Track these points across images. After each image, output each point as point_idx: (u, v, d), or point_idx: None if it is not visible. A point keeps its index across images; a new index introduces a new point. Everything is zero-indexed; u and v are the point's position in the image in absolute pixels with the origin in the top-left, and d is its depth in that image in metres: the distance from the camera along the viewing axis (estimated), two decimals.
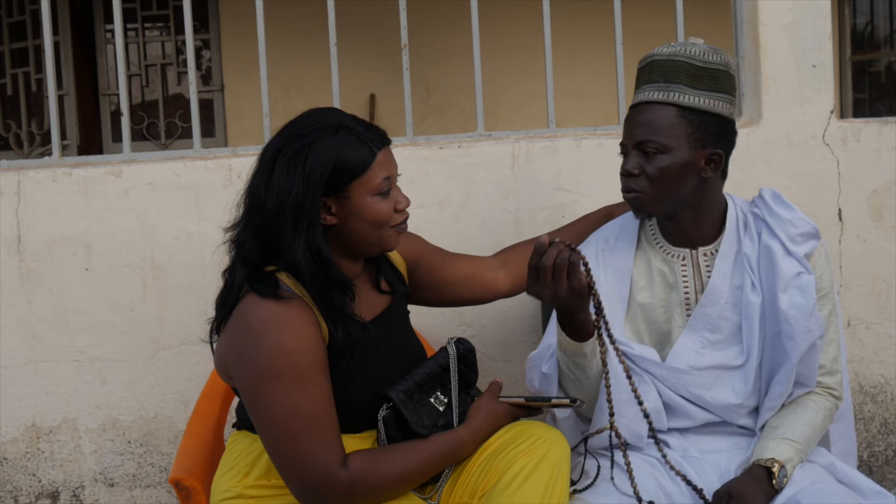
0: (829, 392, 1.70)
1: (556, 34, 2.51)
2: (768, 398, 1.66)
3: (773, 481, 1.52)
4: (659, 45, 1.65)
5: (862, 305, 2.39)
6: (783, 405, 1.67)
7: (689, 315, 1.68)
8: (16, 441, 2.31)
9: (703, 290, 1.68)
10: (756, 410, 1.69)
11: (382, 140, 1.52)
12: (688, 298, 1.68)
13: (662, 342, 1.70)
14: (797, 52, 2.33)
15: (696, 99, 1.58)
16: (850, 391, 1.83)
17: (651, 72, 1.62)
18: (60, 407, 2.30)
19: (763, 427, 1.68)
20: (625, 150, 1.64)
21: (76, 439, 2.30)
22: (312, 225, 1.46)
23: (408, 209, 1.57)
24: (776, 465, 1.53)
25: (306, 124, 1.50)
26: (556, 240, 1.46)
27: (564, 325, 1.56)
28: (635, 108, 1.63)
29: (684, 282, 1.68)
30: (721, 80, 1.60)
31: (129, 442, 2.31)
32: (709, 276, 1.67)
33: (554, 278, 1.46)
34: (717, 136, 1.61)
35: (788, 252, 1.63)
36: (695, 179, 1.61)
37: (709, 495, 1.58)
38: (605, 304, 1.64)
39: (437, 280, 1.79)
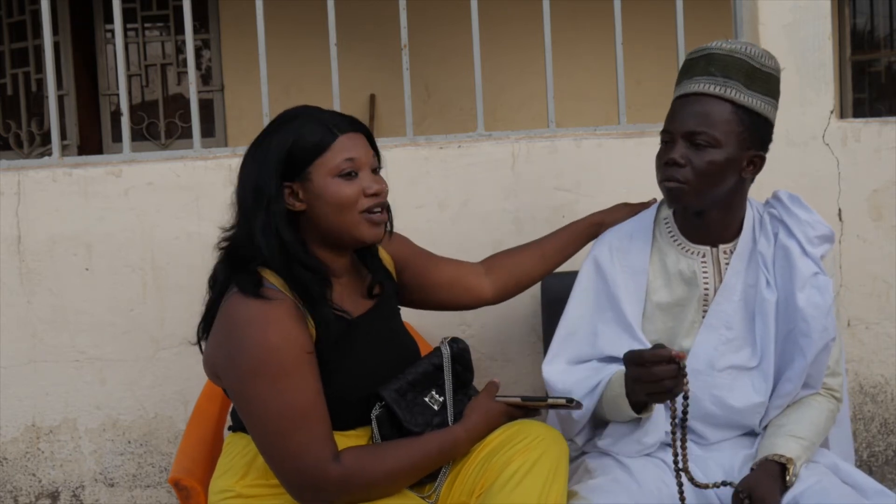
0: (832, 394, 1.71)
1: (556, 34, 2.51)
2: (776, 396, 1.67)
3: (787, 478, 1.52)
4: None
5: (862, 305, 2.39)
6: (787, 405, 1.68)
7: (705, 311, 1.69)
8: (16, 441, 2.31)
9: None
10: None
11: (351, 126, 1.54)
12: (707, 295, 1.69)
13: (677, 335, 1.70)
14: (797, 52, 2.33)
15: (751, 99, 1.58)
16: (848, 396, 1.84)
17: (708, 64, 1.60)
18: (60, 407, 2.30)
19: (766, 426, 1.68)
20: (669, 138, 1.63)
21: (76, 439, 2.30)
22: (271, 206, 1.47)
23: (384, 196, 1.56)
24: (790, 463, 1.54)
25: (274, 120, 1.55)
26: (683, 362, 1.43)
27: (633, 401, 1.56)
28: (687, 98, 1.61)
29: (704, 279, 1.68)
30: (773, 84, 1.62)
31: (129, 442, 2.31)
32: None
33: (653, 384, 1.45)
34: (762, 139, 1.62)
35: (805, 252, 1.65)
36: (734, 179, 1.61)
37: (713, 491, 1.59)
38: (623, 307, 1.68)
39: (424, 282, 1.79)
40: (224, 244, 1.54)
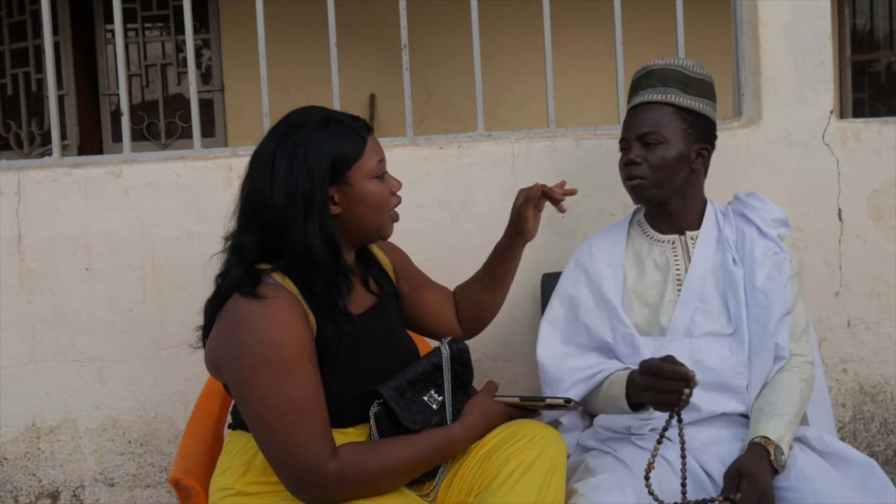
0: (802, 359, 1.81)
1: (556, 34, 2.51)
2: (753, 373, 1.78)
3: (771, 458, 1.60)
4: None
5: (862, 305, 2.39)
6: (765, 384, 1.78)
7: (679, 291, 1.84)
8: (16, 441, 2.31)
9: None
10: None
11: (366, 128, 1.57)
12: (679, 276, 1.86)
13: (656, 315, 1.84)
14: (797, 52, 2.33)
15: (689, 101, 1.84)
16: (821, 363, 1.94)
17: (650, 78, 1.86)
18: (60, 407, 2.30)
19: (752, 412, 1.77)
20: (626, 144, 1.87)
21: (76, 439, 2.31)
22: (323, 213, 1.49)
23: (399, 193, 1.62)
24: (770, 445, 1.62)
25: (295, 122, 1.54)
26: (693, 383, 1.47)
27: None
28: (636, 108, 1.87)
29: (675, 262, 1.87)
30: (706, 88, 1.87)
31: (129, 442, 2.31)
32: None
33: (666, 395, 1.50)
34: (705, 134, 1.87)
35: (763, 234, 1.87)
36: (686, 170, 1.85)
37: (715, 481, 1.64)
38: (604, 290, 1.86)
39: (416, 297, 1.80)
40: (235, 250, 1.53)
